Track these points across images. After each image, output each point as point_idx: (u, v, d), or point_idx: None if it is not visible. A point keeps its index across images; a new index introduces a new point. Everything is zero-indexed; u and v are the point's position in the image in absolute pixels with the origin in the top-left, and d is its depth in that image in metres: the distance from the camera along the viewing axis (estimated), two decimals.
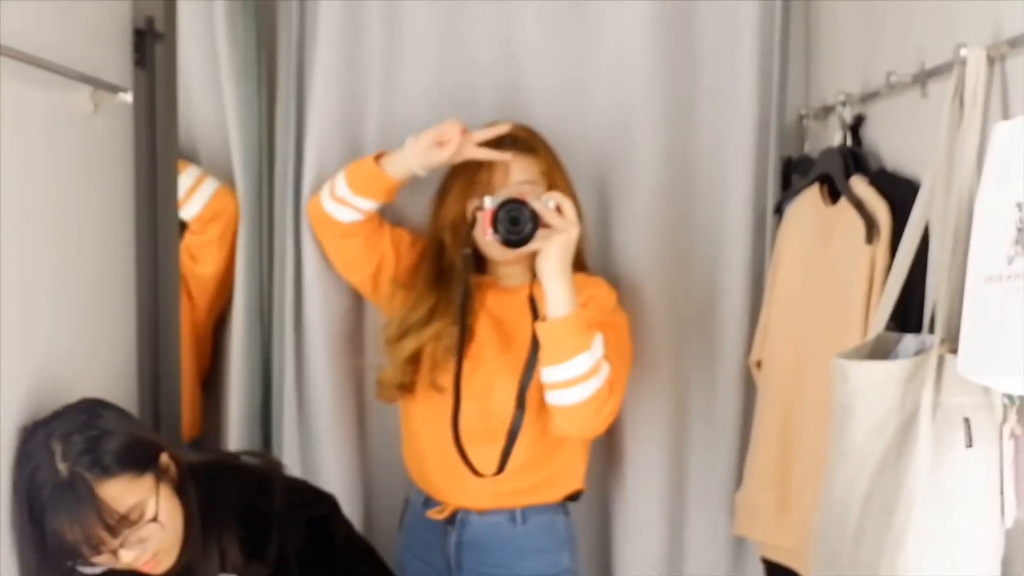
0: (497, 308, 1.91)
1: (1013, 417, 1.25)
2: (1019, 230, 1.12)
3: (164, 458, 1.49)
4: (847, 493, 1.37)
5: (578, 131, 2.06)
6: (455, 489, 1.90)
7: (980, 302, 1.18)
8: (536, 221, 1.72)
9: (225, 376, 2.08)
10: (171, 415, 1.87)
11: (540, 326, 1.74)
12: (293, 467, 2.03)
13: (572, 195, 1.85)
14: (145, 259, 1.85)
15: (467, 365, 1.85)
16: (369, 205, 1.91)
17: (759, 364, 1.98)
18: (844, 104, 1.83)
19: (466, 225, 1.87)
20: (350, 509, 2.00)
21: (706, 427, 2.11)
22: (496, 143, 1.86)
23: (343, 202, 1.91)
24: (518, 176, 1.86)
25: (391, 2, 2.05)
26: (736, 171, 2.07)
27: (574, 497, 1.97)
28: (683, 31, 2.05)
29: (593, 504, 2.14)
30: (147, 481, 1.44)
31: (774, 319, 1.93)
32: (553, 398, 1.78)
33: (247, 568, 1.53)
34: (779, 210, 2.01)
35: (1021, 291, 1.10)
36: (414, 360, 1.90)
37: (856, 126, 1.82)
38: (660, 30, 2.03)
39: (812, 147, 2.03)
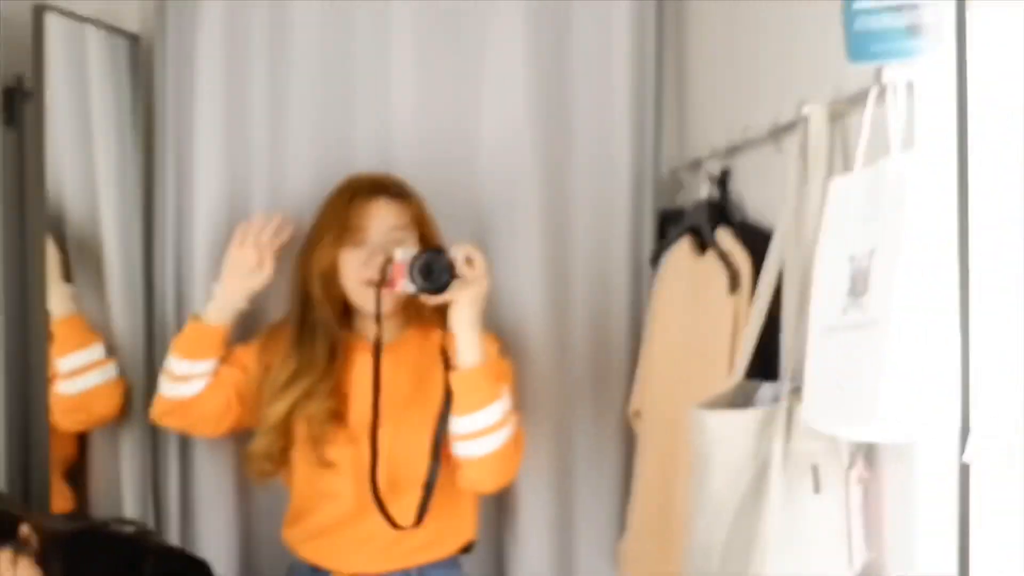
0: (370, 368, 1.87)
1: (860, 463, 1.29)
2: (853, 281, 1.17)
3: (24, 529, 1.45)
4: (708, 540, 1.39)
5: (458, 181, 2.08)
6: (350, 555, 1.86)
7: (820, 352, 1.22)
8: (451, 271, 1.73)
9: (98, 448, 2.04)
10: (40, 484, 1.82)
11: (455, 376, 1.76)
12: (173, 535, 2.00)
13: (441, 244, 1.87)
14: (15, 326, 1.81)
15: (348, 430, 1.84)
16: (211, 364, 1.89)
17: (638, 413, 2.01)
18: (710, 158, 1.88)
19: (337, 275, 1.85)
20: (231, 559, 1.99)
21: (591, 476, 2.12)
22: (367, 190, 1.87)
23: (185, 378, 1.88)
24: (390, 221, 1.86)
25: (271, 56, 2.05)
26: (614, 222, 2.11)
27: (468, 548, 1.96)
28: (560, 86, 2.09)
29: (484, 556, 2.13)
30: (3, 556, 1.40)
31: (651, 369, 1.96)
32: (466, 449, 1.78)
33: None
34: (655, 261, 2.05)
35: (856, 341, 1.14)
36: (285, 427, 1.85)
37: (723, 179, 1.87)
38: (537, 84, 2.07)
39: (685, 199, 2.07)
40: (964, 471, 0.97)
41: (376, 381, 1.81)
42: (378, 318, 1.82)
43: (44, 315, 1.85)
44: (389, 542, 1.84)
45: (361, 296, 1.85)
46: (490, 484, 1.87)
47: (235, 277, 1.89)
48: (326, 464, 1.84)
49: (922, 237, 1.05)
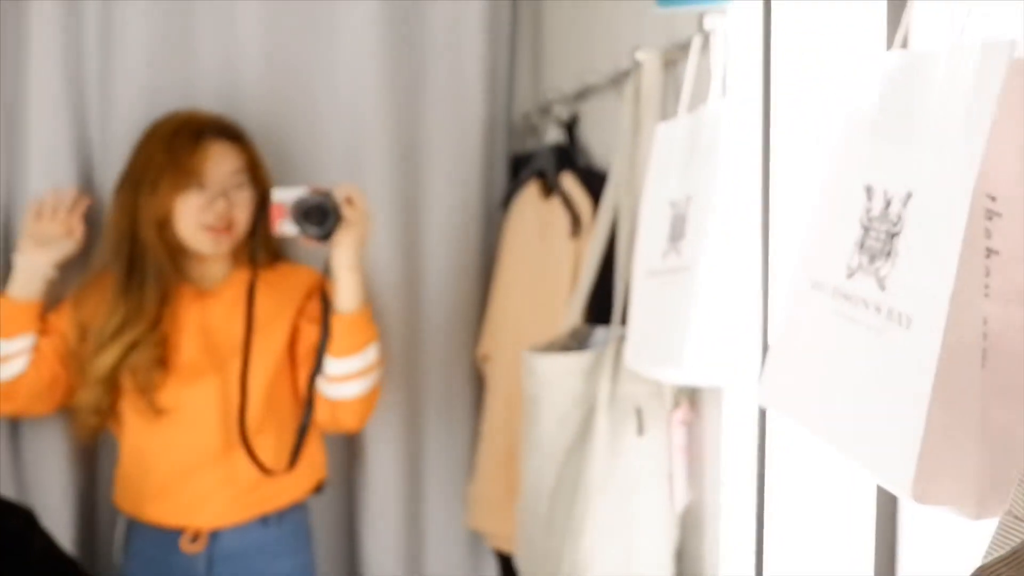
0: (202, 314, 1.84)
1: (685, 405, 1.32)
2: (672, 227, 1.18)
3: None
4: (538, 482, 1.41)
5: (304, 124, 2.03)
6: (199, 508, 1.81)
7: (642, 295, 1.23)
8: (337, 214, 1.69)
9: None
10: None
11: (338, 318, 1.75)
12: (4, 479, 1.93)
13: (271, 186, 1.84)
14: None
15: (177, 374, 1.80)
16: (27, 341, 1.80)
17: (486, 357, 2.01)
18: (559, 102, 1.88)
19: (172, 220, 1.77)
20: (67, 527, 1.93)
21: (441, 420, 2.12)
22: (206, 131, 1.80)
23: (3, 359, 1.79)
24: (229, 164, 1.80)
25: (106, 4, 1.96)
26: (466, 166, 2.10)
27: (319, 488, 1.95)
28: (410, 28, 2.06)
29: (336, 498, 2.13)
30: None
31: (498, 312, 1.96)
32: (338, 391, 1.78)
33: None
34: (506, 204, 2.05)
35: (671, 285, 1.15)
36: (112, 378, 1.79)
37: (571, 124, 1.87)
38: (386, 27, 2.03)
39: (536, 144, 2.07)
40: (763, 414, 1.00)
41: (248, 321, 1.78)
42: (252, 259, 1.81)
43: None
44: (242, 490, 1.81)
45: (199, 241, 1.79)
46: (356, 424, 1.88)
47: (39, 249, 1.82)
48: (159, 411, 1.79)
49: (732, 185, 1.06)
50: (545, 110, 2.01)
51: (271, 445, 1.83)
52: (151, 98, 1.94)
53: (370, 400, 1.83)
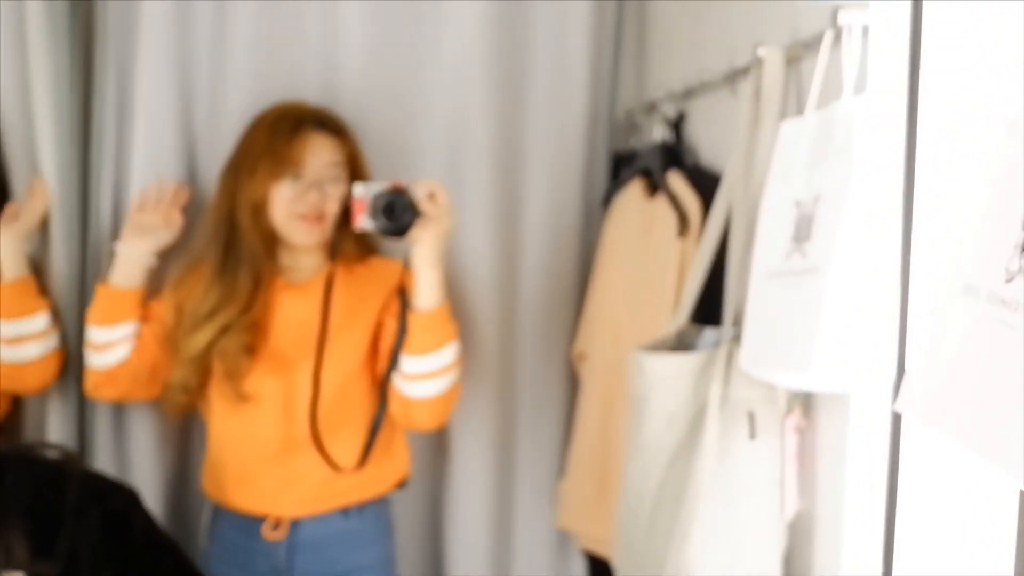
0: (291, 305, 1.85)
1: (798, 411, 1.28)
2: (797, 227, 1.15)
3: None
4: (642, 484, 1.39)
5: (407, 119, 2.04)
6: (280, 497, 1.83)
7: (761, 297, 1.20)
8: (415, 210, 1.68)
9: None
10: None
11: (415, 316, 1.74)
12: (105, 461, 1.96)
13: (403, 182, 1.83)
14: None
15: (262, 363, 1.81)
16: (130, 328, 1.85)
17: (582, 356, 1.99)
18: (666, 101, 1.85)
19: (267, 207, 1.80)
20: (161, 508, 1.96)
21: (533, 419, 2.11)
22: (307, 122, 1.82)
23: (107, 346, 1.83)
24: (327, 157, 1.81)
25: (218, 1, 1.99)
26: (567, 164, 2.08)
27: (402, 484, 1.95)
28: (516, 26, 2.05)
29: (422, 493, 2.13)
30: None
31: (596, 311, 1.94)
32: (415, 389, 1.77)
33: (34, 565, 1.46)
34: (606, 202, 2.03)
35: (795, 287, 1.12)
36: (203, 360, 1.81)
37: (677, 122, 1.84)
38: (492, 24, 2.02)
39: (640, 142, 2.05)
40: (896, 421, 0.96)
41: (325, 315, 1.79)
42: (334, 252, 1.82)
43: None
44: (322, 482, 1.82)
45: (291, 230, 1.81)
46: (430, 424, 1.87)
47: (140, 238, 1.86)
48: (244, 397, 1.80)
49: (867, 184, 1.03)
50: (650, 108, 1.99)
51: (348, 441, 1.83)
52: (257, 93, 1.96)
53: (446, 400, 1.81)
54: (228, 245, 1.81)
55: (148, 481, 1.94)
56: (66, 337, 1.92)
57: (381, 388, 1.81)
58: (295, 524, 1.84)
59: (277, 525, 1.83)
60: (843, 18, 1.12)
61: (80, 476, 1.56)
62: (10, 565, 1.46)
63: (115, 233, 1.94)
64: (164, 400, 1.87)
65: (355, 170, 1.85)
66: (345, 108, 2.01)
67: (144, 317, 1.87)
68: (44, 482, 1.52)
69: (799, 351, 1.07)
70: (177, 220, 1.90)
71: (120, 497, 1.59)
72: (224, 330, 1.79)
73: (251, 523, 1.84)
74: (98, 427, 1.97)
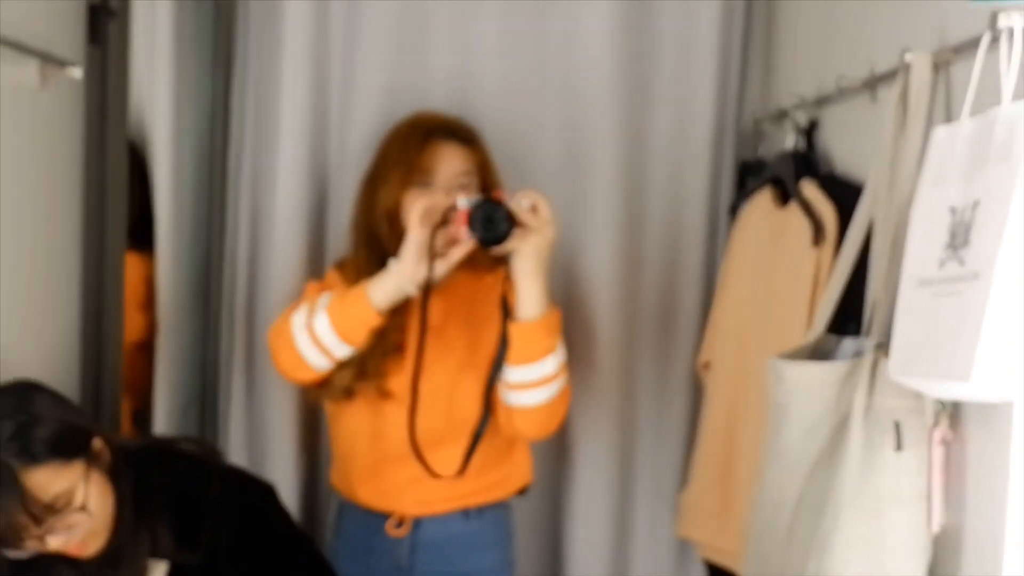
0: (439, 308, 1.86)
1: (945, 423, 1.25)
2: (952, 234, 1.12)
3: (97, 443, 1.47)
4: (780, 494, 1.37)
5: (535, 128, 2.06)
6: (408, 497, 1.86)
7: (912, 305, 1.18)
8: (511, 221, 1.69)
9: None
10: (112, 398, 1.85)
11: (515, 326, 1.73)
12: (239, 456, 2.02)
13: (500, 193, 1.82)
14: (92, 240, 1.82)
15: (402, 366, 1.83)
16: (350, 351, 1.76)
17: (707, 365, 1.98)
18: (797, 108, 1.83)
19: (400, 214, 1.80)
20: (292, 503, 2.01)
21: (655, 427, 2.11)
22: (439, 132, 1.84)
23: (328, 351, 1.75)
24: (457, 166, 1.83)
25: (352, 2, 2.04)
26: (693, 173, 2.08)
27: (524, 491, 1.96)
28: (643, 34, 2.06)
29: (543, 500, 2.14)
30: (77, 468, 1.42)
31: (723, 320, 1.93)
32: (517, 399, 1.78)
33: (178, 554, 1.52)
34: (733, 211, 2.02)
35: (951, 295, 1.10)
36: (359, 362, 1.81)
37: (809, 130, 1.82)
38: (620, 33, 2.04)
39: (768, 151, 2.03)
40: None
41: (423, 325, 1.78)
42: (430, 261, 1.79)
43: (119, 231, 1.86)
44: (441, 484, 1.84)
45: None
46: (535, 434, 1.86)
47: (420, 260, 1.70)
48: (386, 395, 1.82)
49: None
50: (779, 116, 1.97)
51: (462, 448, 1.83)
52: (388, 104, 2.00)
53: (550, 410, 1.79)
54: (371, 251, 1.83)
55: (280, 477, 1.98)
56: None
57: (484, 398, 1.81)
58: (417, 523, 1.86)
59: (401, 523, 1.86)
60: (1004, 21, 1.09)
61: (221, 470, 1.61)
62: (156, 554, 1.51)
63: (253, 243, 2.00)
64: (327, 396, 1.85)
65: (486, 179, 1.86)
66: (473, 118, 2.04)
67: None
68: (187, 476, 1.57)
69: (960, 360, 1.04)
70: (459, 251, 1.73)
71: (258, 492, 1.64)
72: (374, 331, 1.80)
73: (376, 519, 1.87)
74: (232, 426, 2.03)
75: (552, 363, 1.76)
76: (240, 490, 1.61)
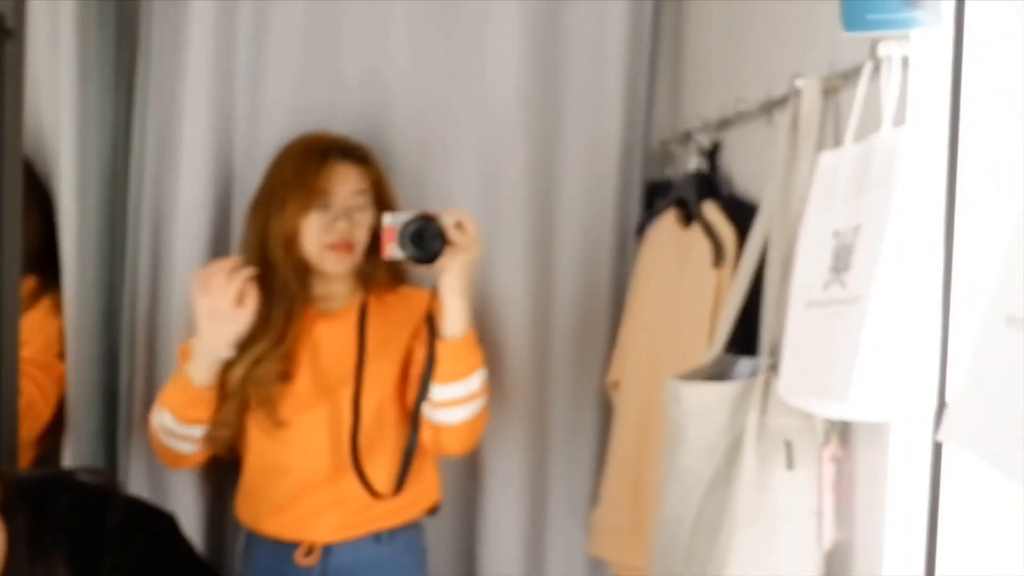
0: (325, 334, 1.87)
1: (835, 441, 1.28)
2: (836, 257, 1.15)
3: None
4: (679, 513, 1.39)
5: (444, 148, 2.06)
6: (317, 524, 1.84)
7: (800, 327, 1.21)
8: (443, 238, 1.70)
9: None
10: (7, 429, 1.79)
11: (443, 344, 1.75)
12: (140, 486, 1.98)
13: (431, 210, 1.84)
14: None
15: (297, 391, 1.83)
16: (206, 425, 1.82)
17: (616, 384, 2.00)
18: (701, 130, 1.86)
19: (298, 239, 1.81)
20: (195, 533, 1.97)
21: (567, 445, 2.12)
22: (332, 153, 1.84)
23: (185, 438, 1.83)
24: (353, 185, 1.84)
25: (261, 10, 2.02)
26: (602, 193, 2.10)
27: (434, 510, 1.96)
28: (552, 55, 2.07)
29: (456, 520, 2.14)
30: None
31: (631, 340, 1.95)
32: (442, 416, 1.78)
33: None
34: (640, 231, 2.04)
35: (834, 317, 1.12)
36: (241, 393, 1.81)
37: (712, 152, 1.85)
38: (530, 53, 2.05)
39: (674, 172, 2.06)
40: (937, 451, 0.96)
41: (361, 343, 1.80)
42: (368, 281, 1.83)
43: (15, 260, 1.81)
44: (355, 508, 1.84)
45: (323, 260, 1.83)
46: (458, 450, 1.88)
47: (215, 324, 1.74)
48: (279, 425, 1.82)
49: (908, 215, 1.03)
50: (684, 138, 2.00)
51: (383, 467, 1.84)
52: (296, 125, 1.98)
53: (474, 427, 1.82)
54: (261, 278, 1.80)
55: (181, 508, 1.95)
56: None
57: (413, 416, 1.82)
58: (327, 550, 1.85)
59: (310, 551, 1.84)
60: (883, 50, 1.13)
61: (122, 501, 1.58)
62: None
63: (155, 254, 1.97)
64: (208, 437, 1.86)
65: (381, 197, 1.87)
66: (381, 140, 2.04)
67: None
68: (87, 507, 1.53)
69: (839, 380, 1.07)
70: (252, 298, 1.76)
71: (160, 522, 1.61)
72: (258, 361, 1.80)
73: (284, 549, 1.85)
74: (133, 454, 2.00)
75: (478, 379, 1.78)
76: (141, 521, 1.57)
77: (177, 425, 1.81)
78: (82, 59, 1.90)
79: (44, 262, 1.96)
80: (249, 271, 1.77)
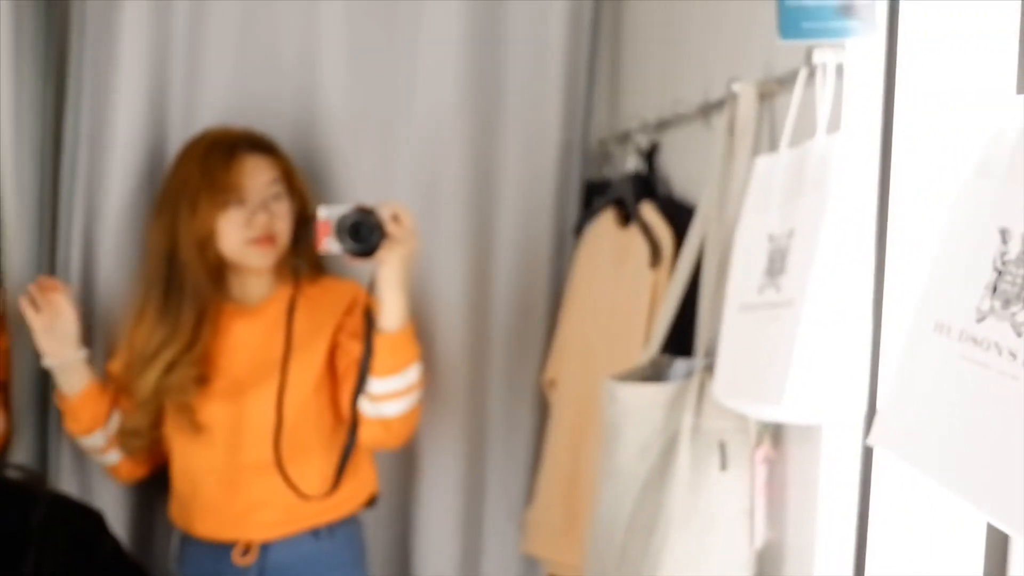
0: (244, 331, 1.85)
1: (768, 442, 1.30)
2: (771, 261, 1.17)
3: None
4: (614, 513, 1.39)
5: (382, 143, 2.04)
6: (252, 522, 1.82)
7: (735, 329, 1.22)
8: (381, 231, 1.68)
9: None
10: None
11: (381, 337, 1.74)
12: (70, 483, 1.94)
13: (309, 198, 1.86)
14: None
15: (215, 392, 1.81)
16: (102, 431, 1.86)
17: (552, 382, 2.00)
18: (639, 131, 1.87)
19: (214, 238, 1.78)
20: (123, 531, 1.93)
21: (503, 442, 2.12)
22: (239, 146, 1.81)
23: (100, 449, 1.87)
24: (265, 176, 1.81)
25: (195, 3, 1.99)
26: (540, 191, 2.10)
27: (371, 502, 1.95)
28: (492, 52, 2.07)
29: (392, 516, 2.12)
30: None
31: (567, 338, 1.95)
32: (381, 409, 1.77)
33: None
34: (578, 231, 2.04)
35: (769, 320, 1.14)
36: (154, 401, 1.81)
37: (651, 153, 1.86)
38: (469, 47, 2.04)
39: (612, 172, 2.07)
40: (867, 454, 0.98)
41: (288, 339, 1.78)
42: (295, 274, 1.82)
43: None
44: (288, 505, 1.82)
45: (246, 255, 1.80)
46: (394, 443, 1.87)
47: (47, 340, 1.81)
48: (199, 428, 1.80)
49: (841, 220, 1.05)
50: (623, 138, 2.01)
51: (311, 465, 1.83)
52: (232, 116, 1.95)
53: (410, 419, 1.82)
54: (169, 281, 1.79)
55: (111, 505, 1.92)
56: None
57: (349, 411, 1.80)
58: (265, 548, 1.83)
59: (247, 550, 1.82)
60: (818, 57, 1.14)
61: (47, 498, 1.55)
62: None
63: (87, 251, 1.93)
64: (121, 446, 1.86)
65: (292, 186, 1.85)
66: (320, 133, 2.02)
67: (113, 395, 1.87)
68: (10, 503, 1.51)
69: (772, 383, 1.08)
70: (62, 303, 1.82)
71: (87, 519, 1.58)
72: (170, 367, 1.78)
73: (220, 549, 1.83)
74: (62, 450, 1.95)
75: (415, 372, 1.78)
76: (67, 518, 1.55)
77: (84, 439, 1.85)
78: (16, 49, 1.84)
79: None
80: (47, 284, 1.83)
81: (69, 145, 1.94)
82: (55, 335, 1.81)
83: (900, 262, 0.97)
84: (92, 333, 1.95)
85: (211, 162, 1.77)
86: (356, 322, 1.82)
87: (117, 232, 1.94)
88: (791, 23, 1.10)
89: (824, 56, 1.14)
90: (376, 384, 1.76)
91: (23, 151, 1.88)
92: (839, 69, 1.12)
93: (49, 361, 1.82)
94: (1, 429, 1.85)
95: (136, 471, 1.91)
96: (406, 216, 1.71)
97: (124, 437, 1.85)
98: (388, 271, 1.71)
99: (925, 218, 0.94)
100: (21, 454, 1.93)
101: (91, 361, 1.87)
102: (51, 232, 1.96)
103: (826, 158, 1.09)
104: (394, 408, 1.78)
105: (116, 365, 1.87)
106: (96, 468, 1.95)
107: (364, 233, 1.68)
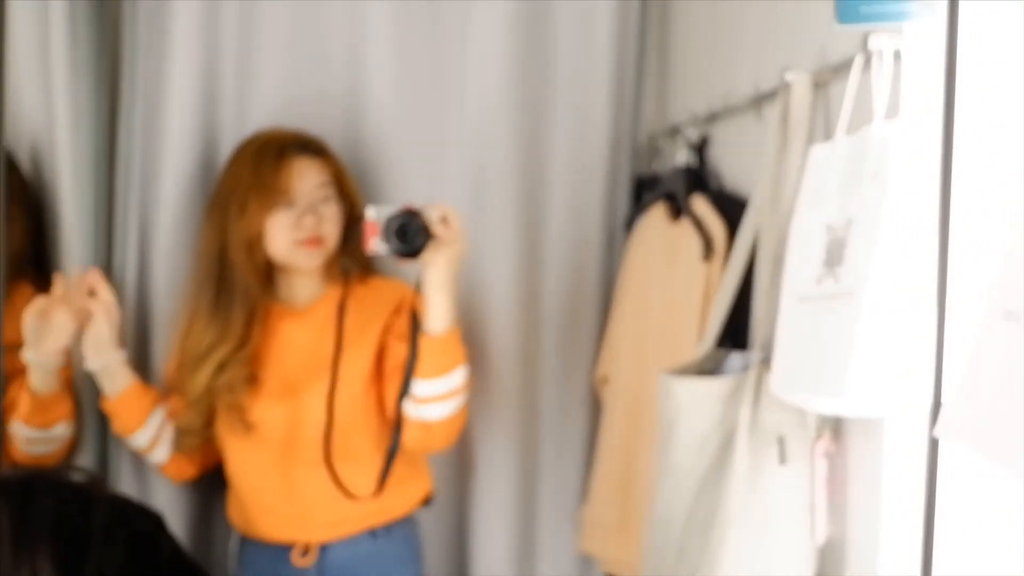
0: (293, 332, 1.86)
1: (828, 436, 1.28)
2: (828, 252, 1.14)
3: None
4: (670, 511, 1.38)
5: (430, 143, 2.04)
6: (311, 523, 1.84)
7: (792, 322, 1.20)
8: (427, 232, 1.68)
9: None
10: None
11: (426, 339, 1.74)
12: (128, 485, 1.96)
13: (358, 200, 1.87)
14: None
15: (266, 393, 1.82)
16: (156, 419, 1.88)
17: (605, 379, 1.99)
18: (689, 124, 1.86)
19: (263, 240, 1.79)
20: (183, 532, 1.96)
21: (556, 441, 2.11)
22: (290, 149, 1.82)
23: (146, 449, 1.90)
24: (314, 179, 1.82)
25: (247, 3, 2.00)
26: (589, 187, 2.09)
27: (427, 501, 1.95)
28: (540, 49, 2.06)
29: (448, 515, 2.12)
30: None
31: (619, 335, 1.94)
32: (424, 412, 1.77)
33: None
34: (628, 226, 2.03)
35: (827, 312, 1.12)
36: (206, 400, 1.82)
37: (701, 146, 1.84)
38: (517, 46, 2.03)
39: (662, 166, 2.05)
40: (933, 447, 0.96)
41: (338, 339, 1.79)
42: (345, 275, 1.82)
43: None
44: (344, 505, 1.82)
45: (295, 256, 1.81)
46: (438, 446, 1.87)
47: (86, 344, 1.84)
48: (250, 427, 1.81)
49: (902, 209, 1.03)
50: (672, 132, 1.99)
51: (361, 466, 1.83)
52: (282, 119, 1.96)
53: (454, 423, 1.81)
54: (220, 282, 1.80)
55: (169, 507, 1.94)
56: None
57: (396, 413, 1.81)
58: (324, 548, 1.84)
59: (306, 551, 1.83)
60: (874, 43, 1.12)
61: (107, 499, 1.55)
62: None
63: (142, 257, 1.96)
64: (177, 446, 1.88)
65: (342, 188, 1.86)
66: (368, 132, 2.02)
67: (155, 395, 1.90)
68: (71, 505, 1.51)
69: (833, 376, 1.06)
70: (87, 313, 1.84)
71: (146, 521, 1.59)
72: (221, 367, 1.80)
73: (280, 550, 1.84)
74: (122, 453, 1.98)
75: (460, 374, 1.77)
76: (127, 519, 1.55)
77: (128, 439, 1.89)
78: (72, 54, 1.86)
79: (37, 266, 1.93)
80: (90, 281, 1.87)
81: (123, 148, 1.96)
82: (94, 338, 1.84)
83: (963, 250, 0.94)
84: (149, 334, 1.97)
85: (261, 164, 1.79)
86: (403, 323, 1.82)
87: (171, 234, 1.96)
88: (849, 8, 1.07)
89: (880, 42, 1.12)
90: (420, 386, 1.76)
91: (80, 155, 1.91)
92: (896, 54, 1.09)
93: (90, 364, 1.84)
94: (70, 435, 1.88)
95: (186, 470, 1.93)
96: (455, 218, 1.71)
97: (178, 435, 1.87)
98: (434, 272, 1.71)
99: (989, 203, 0.91)
100: (82, 457, 1.96)
101: (132, 363, 1.90)
102: (107, 236, 1.98)
103: (885, 145, 1.07)
104: (436, 411, 1.77)
105: (172, 365, 1.89)
106: (153, 472, 1.97)
107: (410, 234, 1.68)
